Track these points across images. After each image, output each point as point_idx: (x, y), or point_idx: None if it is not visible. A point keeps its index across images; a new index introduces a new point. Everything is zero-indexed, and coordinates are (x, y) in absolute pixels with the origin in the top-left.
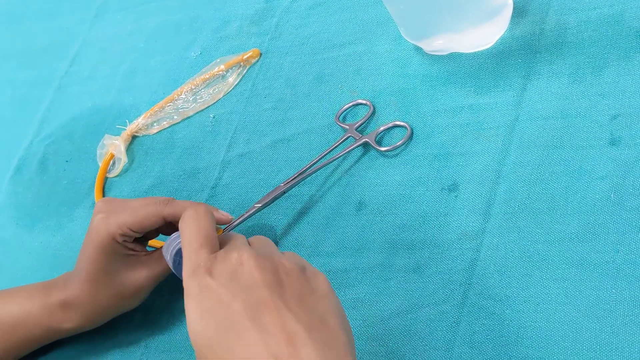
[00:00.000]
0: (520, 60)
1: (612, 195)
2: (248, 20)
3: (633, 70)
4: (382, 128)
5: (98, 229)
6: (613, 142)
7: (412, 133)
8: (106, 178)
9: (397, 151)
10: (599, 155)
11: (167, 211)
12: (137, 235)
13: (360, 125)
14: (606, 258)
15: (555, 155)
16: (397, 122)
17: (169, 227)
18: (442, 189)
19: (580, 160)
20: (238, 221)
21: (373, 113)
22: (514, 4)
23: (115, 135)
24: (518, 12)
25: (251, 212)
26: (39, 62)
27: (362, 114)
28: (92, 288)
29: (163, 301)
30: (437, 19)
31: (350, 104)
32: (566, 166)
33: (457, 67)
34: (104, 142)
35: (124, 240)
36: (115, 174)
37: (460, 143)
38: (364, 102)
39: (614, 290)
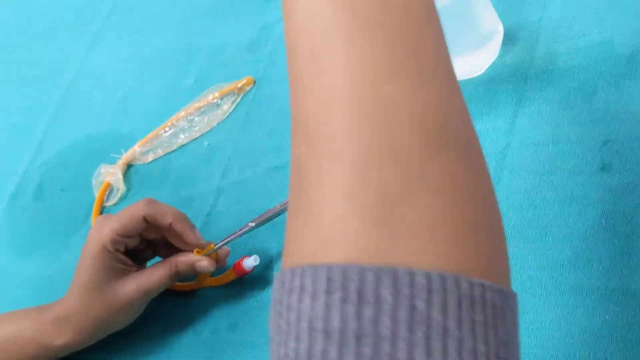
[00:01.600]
0: (511, 87)
1: (603, 221)
2: (242, 48)
3: (622, 96)
4: None
5: (91, 240)
6: (604, 168)
7: None
8: (103, 207)
9: None
10: (590, 181)
11: (146, 211)
12: (126, 242)
13: None
14: (599, 284)
15: (547, 181)
16: None
17: (152, 230)
18: None
19: (572, 186)
20: (231, 238)
21: None
22: (505, 31)
23: (111, 163)
24: (508, 39)
25: (245, 230)
26: (35, 88)
27: None
28: (85, 298)
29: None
30: None
31: None
32: (558, 192)
33: None
34: (100, 171)
35: (116, 249)
36: (113, 203)
37: None
38: None
39: (607, 316)
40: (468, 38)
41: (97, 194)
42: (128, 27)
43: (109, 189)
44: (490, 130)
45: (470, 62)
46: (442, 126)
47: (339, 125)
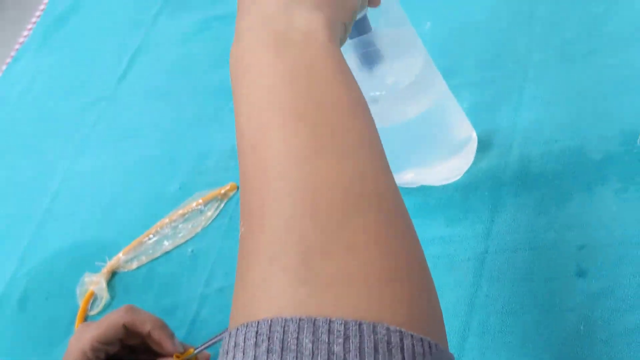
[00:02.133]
0: (487, 193)
1: (581, 328)
2: (225, 155)
3: (595, 202)
4: None
5: (72, 348)
6: (580, 274)
7: None
8: (87, 316)
9: None
10: (567, 287)
11: (126, 318)
12: (106, 349)
13: None
14: None
15: (525, 287)
16: None
17: (132, 337)
18: None
19: (550, 292)
20: (211, 342)
21: None
22: (479, 137)
23: (96, 272)
24: (483, 146)
25: (224, 333)
26: (20, 196)
27: None
28: None
29: None
30: (405, 155)
31: None
32: (536, 298)
33: (428, 199)
34: (84, 280)
35: (96, 357)
36: (97, 312)
37: (433, 276)
38: None
39: None
40: (443, 147)
41: (81, 303)
42: (113, 135)
43: (93, 297)
44: (469, 236)
45: (447, 168)
46: (361, 192)
47: (270, 201)
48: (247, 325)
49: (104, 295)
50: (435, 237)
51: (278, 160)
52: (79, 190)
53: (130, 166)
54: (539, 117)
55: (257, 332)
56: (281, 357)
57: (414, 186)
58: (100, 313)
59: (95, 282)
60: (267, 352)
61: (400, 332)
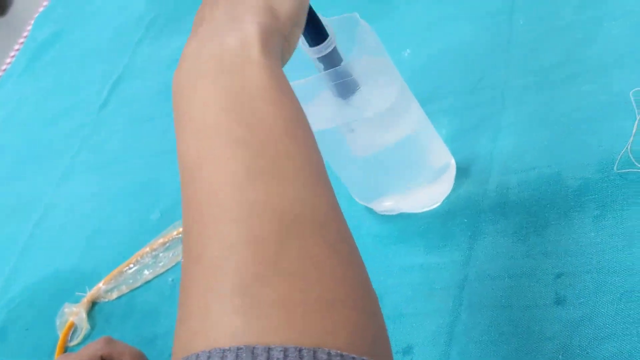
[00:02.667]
0: (466, 220)
1: (560, 357)
2: None
3: (573, 229)
4: None
5: None
6: (558, 302)
7: None
8: (67, 347)
9: None
10: (545, 315)
11: (104, 350)
12: None
13: None
14: None
15: (504, 315)
16: None
17: None
18: (397, 352)
19: (528, 320)
20: None
21: None
22: (458, 164)
23: (76, 302)
24: (462, 172)
25: None
26: (4, 223)
27: None
28: None
29: None
30: (383, 182)
31: None
32: (515, 327)
33: (407, 226)
34: (64, 310)
35: None
36: (76, 342)
37: (413, 304)
38: None
39: None
40: (422, 172)
41: (60, 333)
42: (96, 162)
43: (73, 328)
44: (448, 264)
45: (426, 196)
46: (300, 217)
47: (207, 230)
48: (188, 358)
49: (84, 326)
50: (414, 264)
51: (215, 187)
52: (63, 217)
53: (112, 193)
54: (517, 144)
55: None
56: None
57: (394, 213)
58: (80, 344)
59: (75, 313)
60: None
61: (341, 355)
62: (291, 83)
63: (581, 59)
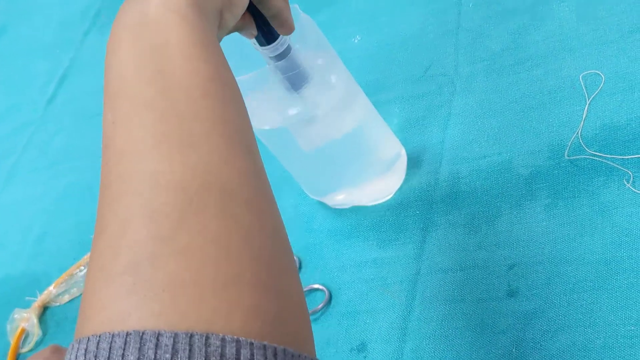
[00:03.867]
0: (418, 212)
1: (514, 350)
2: None
3: (524, 218)
4: None
5: None
6: (511, 294)
7: (330, 296)
8: (19, 353)
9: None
10: (498, 307)
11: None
12: None
13: None
14: None
15: (457, 309)
16: (315, 285)
17: None
18: (352, 349)
19: (482, 313)
20: None
21: (300, 268)
22: (409, 154)
23: (26, 307)
24: (414, 163)
25: None
26: None
27: None
28: None
29: None
30: (334, 176)
31: None
32: (468, 320)
33: (360, 220)
34: (14, 316)
35: None
36: (28, 349)
37: (367, 300)
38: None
39: None
40: (372, 165)
41: (11, 340)
42: (43, 160)
43: (25, 334)
44: (401, 257)
45: (378, 188)
46: (203, 188)
47: (110, 204)
48: (79, 342)
49: (36, 332)
50: (368, 260)
51: (120, 158)
52: (8, 220)
53: (60, 193)
54: (467, 132)
55: (86, 350)
56: None
57: (347, 207)
58: (32, 350)
59: (25, 319)
60: None
61: (238, 341)
62: (237, 78)
63: (529, 43)
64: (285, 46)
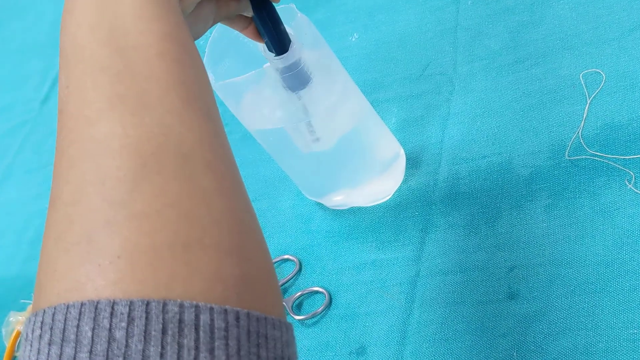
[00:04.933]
0: (417, 213)
1: (515, 354)
2: None
3: (525, 219)
4: (298, 294)
5: None
6: (511, 296)
7: (330, 299)
8: (14, 357)
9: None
10: (498, 310)
11: None
12: None
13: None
14: None
15: (457, 312)
16: (315, 288)
17: None
18: (351, 352)
19: (481, 316)
20: None
21: (300, 270)
22: (408, 155)
23: (22, 310)
24: (412, 163)
25: None
26: None
27: (289, 271)
28: None
29: None
30: (332, 177)
31: (278, 259)
32: (468, 324)
33: (358, 221)
34: (10, 319)
35: None
36: None
37: (366, 302)
38: (291, 258)
39: None
40: (370, 165)
41: (7, 343)
42: (38, 161)
43: (20, 337)
44: (400, 259)
45: (376, 189)
46: (159, 150)
47: (63, 172)
48: (35, 315)
49: None
50: (367, 261)
51: (73, 123)
52: (3, 221)
53: None
54: (466, 131)
55: (42, 323)
56: (61, 348)
57: (345, 208)
58: None
59: (21, 322)
60: (49, 344)
61: (197, 306)
62: (234, 79)
63: (529, 41)
64: (296, 57)
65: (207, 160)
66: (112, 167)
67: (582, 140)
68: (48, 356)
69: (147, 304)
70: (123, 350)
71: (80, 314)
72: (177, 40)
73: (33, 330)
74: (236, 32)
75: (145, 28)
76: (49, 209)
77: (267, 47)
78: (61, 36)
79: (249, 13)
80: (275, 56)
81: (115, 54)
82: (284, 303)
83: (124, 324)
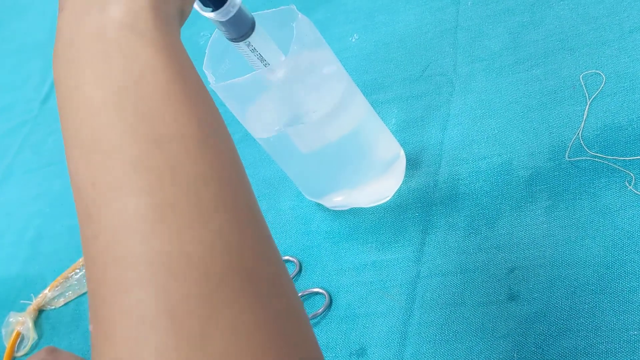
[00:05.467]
0: (417, 214)
1: (515, 355)
2: None
3: (525, 220)
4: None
5: None
6: (512, 298)
7: (330, 300)
8: (14, 357)
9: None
10: (499, 311)
11: None
12: None
13: None
14: None
15: (457, 313)
16: (315, 289)
17: None
18: (351, 353)
19: (482, 318)
20: None
21: (300, 271)
22: (407, 155)
23: (21, 311)
24: (412, 164)
25: None
26: None
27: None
28: None
29: None
30: (332, 178)
31: None
32: (468, 325)
33: (359, 222)
34: (9, 320)
35: None
36: (24, 353)
37: (366, 303)
38: (291, 259)
39: None
40: (370, 166)
41: (7, 344)
42: (38, 161)
43: (20, 338)
44: (400, 260)
45: (377, 190)
46: (226, 271)
47: (114, 297)
48: None
49: (31, 336)
50: (367, 262)
51: (114, 235)
52: (3, 221)
53: (55, 195)
54: (466, 132)
55: None
56: None
57: (345, 209)
58: (27, 354)
59: (21, 322)
60: None
61: None
62: (235, 80)
63: (529, 42)
64: (235, 10)
65: (271, 277)
66: (178, 295)
67: (582, 142)
68: None
69: None
70: None
71: None
72: (214, 127)
73: None
74: None
75: (178, 112)
76: (98, 336)
77: (202, 1)
78: (65, 118)
79: None
80: (212, 11)
81: (154, 148)
82: None
83: None
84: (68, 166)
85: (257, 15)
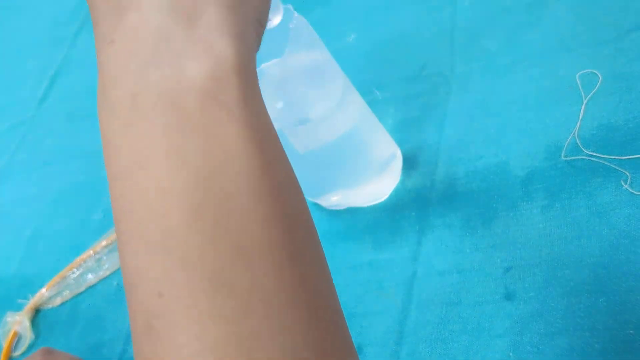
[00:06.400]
0: (414, 213)
1: (511, 354)
2: None
3: (521, 220)
4: None
5: None
6: (508, 297)
7: None
8: (11, 357)
9: None
10: (495, 311)
11: None
12: None
13: None
14: None
15: (453, 312)
16: None
17: None
18: None
19: (478, 317)
20: None
21: None
22: (404, 155)
23: (18, 310)
24: (409, 164)
25: None
26: None
27: None
28: None
29: None
30: (329, 177)
31: None
32: (465, 324)
33: (355, 221)
34: (6, 319)
35: None
36: (21, 352)
37: (363, 302)
38: None
39: None
40: (367, 165)
41: (4, 344)
42: (35, 161)
43: (17, 337)
44: (397, 259)
45: (373, 190)
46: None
47: None
48: None
49: (28, 335)
50: (364, 262)
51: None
52: (1, 221)
53: (52, 194)
54: (463, 132)
55: None
56: None
57: (341, 208)
58: (24, 353)
59: (18, 322)
60: None
61: None
62: None
63: (526, 42)
64: None
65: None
66: None
67: (578, 141)
68: None
69: None
70: None
71: None
72: (304, 229)
73: None
74: None
75: (266, 216)
76: None
77: None
78: (119, 202)
79: None
80: None
81: (236, 259)
82: None
83: None
84: (120, 252)
85: None
